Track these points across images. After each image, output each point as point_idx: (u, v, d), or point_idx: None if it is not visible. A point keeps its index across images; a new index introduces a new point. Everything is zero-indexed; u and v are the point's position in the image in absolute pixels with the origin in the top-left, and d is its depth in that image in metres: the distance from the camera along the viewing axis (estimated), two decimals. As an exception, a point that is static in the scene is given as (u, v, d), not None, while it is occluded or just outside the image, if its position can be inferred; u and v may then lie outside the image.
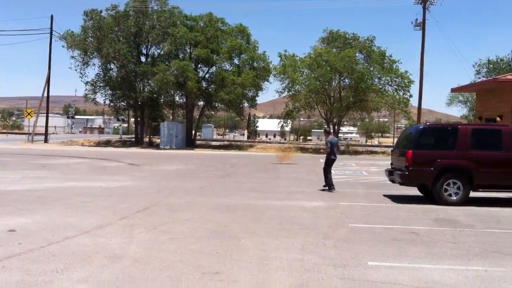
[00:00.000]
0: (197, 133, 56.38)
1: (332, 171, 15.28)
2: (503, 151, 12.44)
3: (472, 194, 12.67)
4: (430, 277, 6.06)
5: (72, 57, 43.18)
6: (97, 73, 44.59)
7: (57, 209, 10.35)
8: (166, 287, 5.47)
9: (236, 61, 45.13)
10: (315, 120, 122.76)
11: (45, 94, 45.96)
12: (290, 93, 42.59)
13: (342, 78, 41.65)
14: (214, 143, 52.76)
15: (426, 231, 8.93)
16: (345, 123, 71.01)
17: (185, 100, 46.75)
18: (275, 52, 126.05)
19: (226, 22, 46.31)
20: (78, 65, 43.47)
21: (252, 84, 42.71)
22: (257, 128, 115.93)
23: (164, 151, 38.01)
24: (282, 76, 41.91)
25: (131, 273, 5.92)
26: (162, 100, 46.21)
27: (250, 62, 44.25)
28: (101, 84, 44.43)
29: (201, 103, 47.74)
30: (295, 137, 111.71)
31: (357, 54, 41.40)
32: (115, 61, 42.03)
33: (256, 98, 46.38)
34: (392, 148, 16.44)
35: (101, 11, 42.64)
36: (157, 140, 47.71)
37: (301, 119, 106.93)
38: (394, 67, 40.98)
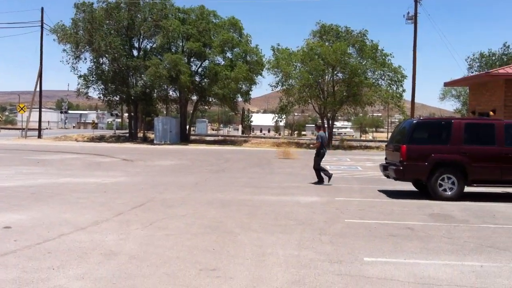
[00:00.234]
0: (191, 128, 56.29)
1: (327, 166, 15.38)
2: (497, 145, 12.50)
3: (467, 189, 12.73)
4: (426, 272, 6.09)
5: (64, 50, 42.81)
6: (89, 67, 44.29)
7: (52, 205, 10.31)
8: (163, 284, 5.46)
9: (229, 54, 45.05)
10: (309, 114, 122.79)
11: (38, 89, 45.70)
12: (284, 87, 42.58)
13: (335, 72, 41.58)
14: (208, 138, 52.72)
15: (421, 226, 8.97)
16: (339, 117, 70.99)
17: (178, 95, 46.62)
18: (267, 45, 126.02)
19: (218, 15, 46.19)
20: (70, 59, 43.08)
21: (246, 78, 42.63)
22: (251, 123, 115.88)
23: (158, 147, 37.95)
24: (275, 70, 41.85)
25: (128, 270, 5.91)
26: (155, 94, 45.97)
27: (243, 55, 44.18)
28: (93, 78, 44.05)
29: (194, 97, 47.61)
30: (290, 132, 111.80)
31: (349, 48, 41.40)
32: (107, 55, 41.72)
33: (250, 92, 46.39)
34: (386, 143, 16.48)
35: (92, 4, 42.25)
36: (151, 135, 47.61)
37: (295, 113, 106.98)
38: (387, 60, 41.05)
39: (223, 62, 44.40)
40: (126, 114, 66.52)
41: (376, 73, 41.30)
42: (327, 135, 41.41)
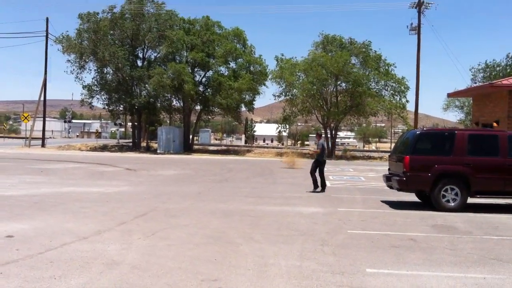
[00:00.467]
0: (195, 138, 56.38)
1: (330, 176, 15.51)
2: (500, 156, 12.47)
3: (470, 200, 12.69)
4: (429, 284, 6.06)
5: (68, 61, 43.06)
6: (94, 77, 44.46)
7: (55, 215, 10.32)
8: (165, 294, 5.46)
9: (232, 65, 45.20)
10: (312, 125, 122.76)
11: (42, 98, 45.85)
12: (287, 97, 42.61)
13: (338, 82, 41.57)
14: (211, 147, 52.75)
15: (424, 237, 8.94)
16: (342, 128, 71.01)
17: (182, 105, 46.75)
18: (271, 55, 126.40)
19: (222, 26, 46.43)
20: (74, 70, 43.33)
21: (249, 89, 42.70)
22: (255, 133, 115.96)
23: (162, 156, 37.98)
24: (279, 80, 41.87)
25: (129, 280, 5.90)
26: (159, 104, 46.12)
27: (247, 66, 44.30)
28: (97, 88, 44.22)
29: (198, 107, 47.73)
30: (293, 142, 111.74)
31: (353, 59, 41.42)
32: (110, 64, 41.91)
33: (254, 102, 46.43)
34: (389, 154, 16.48)
35: (97, 13, 42.52)
36: (154, 144, 47.65)
37: (298, 124, 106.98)
38: (390, 70, 41.04)
39: (227, 73, 44.54)
40: (129, 124, 66.68)
41: (380, 83, 41.30)
42: (330, 145, 41.82)
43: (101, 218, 10.04)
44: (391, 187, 13.66)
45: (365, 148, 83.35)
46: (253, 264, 6.75)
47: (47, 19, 45.25)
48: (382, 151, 57.37)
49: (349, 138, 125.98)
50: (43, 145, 45.44)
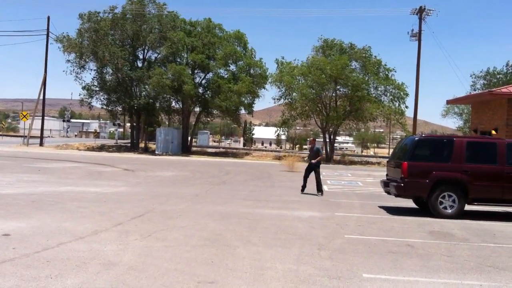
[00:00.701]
0: (193, 140, 56.34)
1: (328, 180, 15.60)
2: (498, 164, 12.48)
3: (467, 207, 12.70)
4: (425, 290, 6.06)
5: (68, 60, 42.97)
6: (93, 77, 44.42)
7: (52, 214, 10.30)
8: (161, 296, 5.45)
9: (232, 67, 45.19)
10: (311, 129, 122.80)
11: (41, 97, 45.85)
12: (286, 101, 42.58)
13: (337, 87, 41.55)
14: (210, 150, 52.75)
15: (421, 244, 8.94)
16: (340, 132, 71.02)
17: (181, 106, 46.75)
18: (272, 58, 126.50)
19: (223, 29, 46.43)
20: (73, 70, 43.29)
21: (249, 91, 42.70)
22: (253, 136, 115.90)
23: (160, 157, 37.96)
24: (278, 83, 41.83)
25: (126, 281, 5.89)
26: (158, 105, 46.12)
27: (247, 68, 44.30)
28: (96, 89, 44.19)
29: (197, 109, 47.73)
30: (291, 145, 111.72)
31: (353, 64, 41.44)
32: (110, 64, 41.87)
33: (253, 105, 46.41)
34: (387, 159, 16.51)
35: (98, 13, 42.53)
36: (152, 145, 47.63)
37: (297, 127, 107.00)
38: (390, 76, 41.09)
39: (226, 75, 44.55)
40: (128, 124, 66.65)
41: (379, 89, 41.32)
42: (328, 149, 41.86)
43: (98, 218, 10.03)
44: (388, 193, 13.65)
45: (363, 153, 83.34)
46: (250, 267, 6.74)
47: (48, 18, 45.36)
48: (380, 157, 57.43)
49: (347, 143, 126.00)
50: (41, 144, 45.40)
